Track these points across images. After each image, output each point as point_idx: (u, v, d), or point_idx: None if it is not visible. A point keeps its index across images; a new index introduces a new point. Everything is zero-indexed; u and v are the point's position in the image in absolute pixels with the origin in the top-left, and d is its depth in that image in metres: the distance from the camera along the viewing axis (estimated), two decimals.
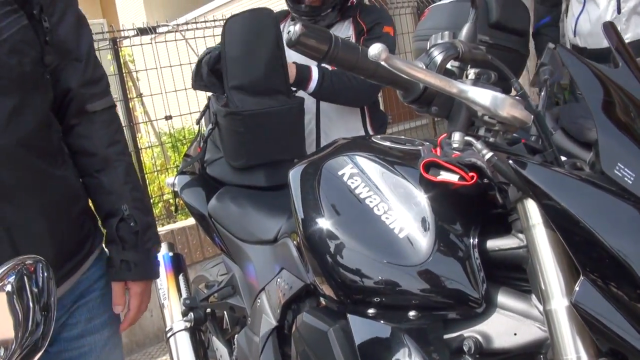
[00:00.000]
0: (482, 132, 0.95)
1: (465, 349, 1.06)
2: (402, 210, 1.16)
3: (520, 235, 1.05)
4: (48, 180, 1.22)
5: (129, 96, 3.72)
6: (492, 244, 1.10)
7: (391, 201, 1.18)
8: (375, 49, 0.80)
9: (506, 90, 0.95)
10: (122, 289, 1.36)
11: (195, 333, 2.09)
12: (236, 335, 2.02)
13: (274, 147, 2.07)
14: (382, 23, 2.35)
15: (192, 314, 2.06)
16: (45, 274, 0.78)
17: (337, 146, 1.39)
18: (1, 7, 1.13)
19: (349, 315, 1.16)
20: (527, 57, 1.89)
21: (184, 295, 2.14)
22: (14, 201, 1.15)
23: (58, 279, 1.19)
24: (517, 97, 0.93)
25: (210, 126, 2.16)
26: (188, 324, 2.07)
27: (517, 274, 1.10)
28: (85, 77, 1.30)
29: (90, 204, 1.39)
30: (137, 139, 3.92)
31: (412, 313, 1.10)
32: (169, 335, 2.09)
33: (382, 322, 1.12)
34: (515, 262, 1.07)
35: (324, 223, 1.22)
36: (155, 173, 3.94)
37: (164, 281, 2.21)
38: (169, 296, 2.17)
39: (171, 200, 3.85)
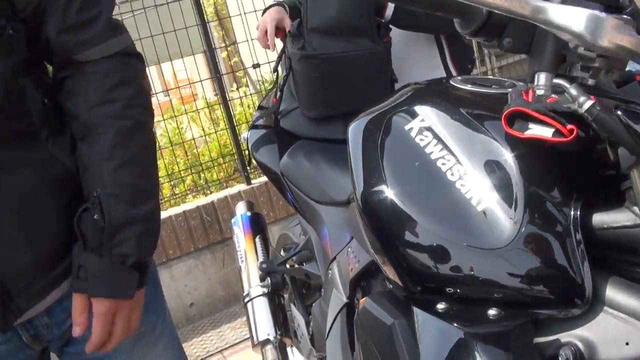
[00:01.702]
0: (578, 71, 0.67)
1: (562, 359, 0.81)
2: (483, 175, 0.91)
3: (637, 209, 0.78)
4: (19, 169, 0.94)
5: (215, 46, 3.57)
6: (600, 218, 0.83)
7: (469, 163, 0.94)
8: None
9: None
10: (81, 304, 1.00)
11: (274, 298, 1.94)
12: (313, 304, 1.85)
13: (353, 96, 1.83)
14: None
15: (269, 279, 1.91)
16: None
17: (406, 94, 1.14)
18: None
19: (414, 309, 0.93)
20: None
21: (261, 259, 1.98)
22: None
23: (35, 292, 0.99)
24: (624, 16, 0.64)
25: (284, 73, 1.96)
26: (265, 290, 1.92)
27: (634, 258, 0.83)
28: (66, 21, 0.96)
29: None
30: (228, 90, 3.80)
31: (492, 311, 0.86)
32: (246, 300, 1.95)
33: (453, 324, 0.89)
34: (630, 244, 0.80)
35: (386, 190, 0.99)
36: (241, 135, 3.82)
37: (242, 243, 2.07)
38: (246, 259, 2.02)
39: None
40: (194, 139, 3.84)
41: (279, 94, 2.02)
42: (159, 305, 1.19)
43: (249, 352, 3.14)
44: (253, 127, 2.09)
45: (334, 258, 1.48)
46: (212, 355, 3.09)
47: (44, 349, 1.09)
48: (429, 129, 1.01)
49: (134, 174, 1.01)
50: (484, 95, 1.06)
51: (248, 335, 3.38)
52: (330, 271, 1.49)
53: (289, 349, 1.98)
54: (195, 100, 4.24)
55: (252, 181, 3.70)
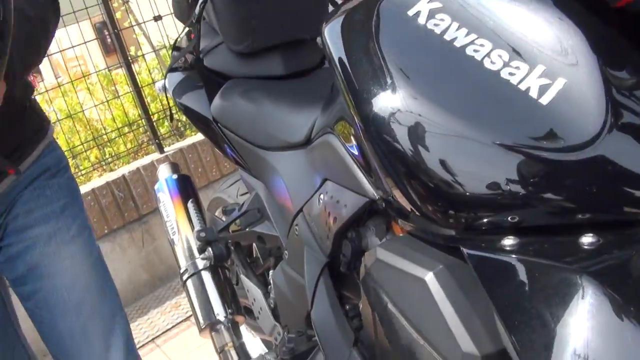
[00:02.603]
0: None
1: None
2: (537, 58, 0.66)
3: None
4: None
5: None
6: None
7: (512, 45, 0.68)
8: None
9: None
10: None
11: (218, 272, 1.63)
12: (270, 272, 1.56)
13: (288, 23, 1.53)
14: None
15: (210, 249, 1.60)
16: None
17: None
18: None
19: (465, 252, 0.66)
20: None
21: (197, 226, 1.66)
22: None
23: None
24: None
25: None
26: (207, 262, 1.61)
27: None
28: None
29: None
30: (128, 51, 3.36)
31: (586, 239, 0.61)
32: (184, 278, 1.62)
33: (534, 258, 0.62)
34: None
35: (396, 97, 0.72)
36: (155, 85, 3.42)
37: (171, 211, 1.73)
38: (178, 230, 1.70)
39: (177, 115, 3.35)
40: (95, 106, 3.40)
41: (195, 26, 1.67)
42: (76, 211, 1.31)
43: (184, 337, 2.82)
44: (171, 70, 1.74)
45: (300, 210, 1.19)
46: (143, 345, 2.74)
47: None
48: (443, 9, 0.74)
49: None
50: None
51: (180, 319, 3.08)
52: (296, 227, 1.21)
53: (242, 328, 1.69)
54: (89, 76, 3.78)
55: (165, 149, 3.33)
